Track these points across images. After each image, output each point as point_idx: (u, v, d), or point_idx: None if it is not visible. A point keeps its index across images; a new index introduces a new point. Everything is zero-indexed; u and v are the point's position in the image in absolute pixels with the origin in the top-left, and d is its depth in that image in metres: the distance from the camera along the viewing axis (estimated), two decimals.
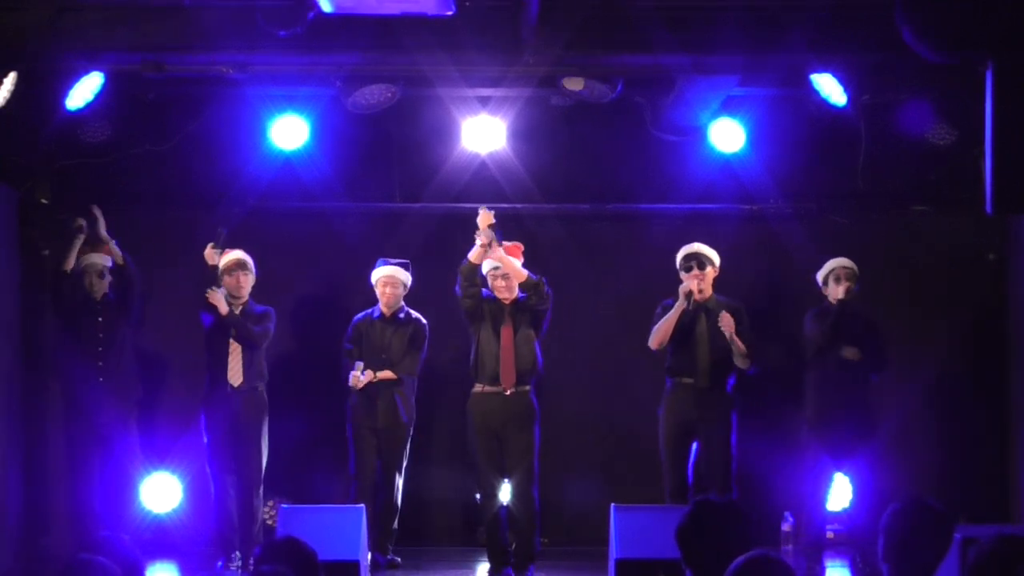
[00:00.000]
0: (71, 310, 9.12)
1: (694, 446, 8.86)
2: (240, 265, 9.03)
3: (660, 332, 8.81)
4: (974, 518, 9.13)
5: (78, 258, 9.12)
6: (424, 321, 9.20)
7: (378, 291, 9.14)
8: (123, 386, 9.13)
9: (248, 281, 9.07)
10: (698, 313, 8.84)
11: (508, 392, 8.67)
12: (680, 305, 8.77)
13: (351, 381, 8.99)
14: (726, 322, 8.67)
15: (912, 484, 9.49)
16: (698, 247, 8.91)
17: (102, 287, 9.13)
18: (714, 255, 8.90)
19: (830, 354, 8.95)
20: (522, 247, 8.86)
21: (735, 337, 8.68)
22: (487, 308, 8.76)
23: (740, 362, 8.78)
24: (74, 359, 9.10)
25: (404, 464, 9.13)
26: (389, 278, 9.11)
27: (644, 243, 9.89)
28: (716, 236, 9.15)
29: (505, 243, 8.71)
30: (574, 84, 8.66)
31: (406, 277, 9.14)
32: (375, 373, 9.01)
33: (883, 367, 9.17)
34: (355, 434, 9.11)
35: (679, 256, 8.92)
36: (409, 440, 9.14)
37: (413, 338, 9.14)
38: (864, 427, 8.96)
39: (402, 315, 9.17)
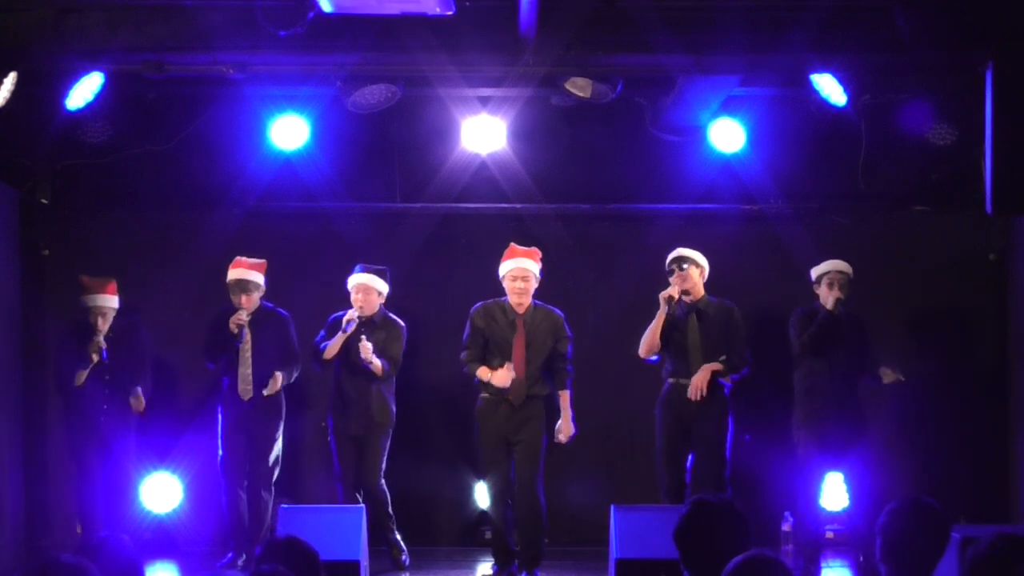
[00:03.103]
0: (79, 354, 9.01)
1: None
2: (240, 286, 8.97)
3: (647, 340, 8.77)
4: (974, 518, 9.14)
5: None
6: (402, 324, 9.07)
7: (351, 297, 9.01)
8: (127, 393, 9.09)
9: (252, 302, 8.99)
10: (690, 315, 8.83)
11: (516, 404, 8.63)
12: (661, 312, 8.73)
13: (344, 321, 8.86)
14: (701, 380, 8.63)
15: (912, 484, 9.49)
16: (680, 250, 8.85)
17: (106, 324, 9.00)
18: (697, 255, 8.84)
19: (816, 356, 8.88)
20: (539, 253, 8.75)
21: (716, 379, 8.67)
22: (496, 328, 8.66)
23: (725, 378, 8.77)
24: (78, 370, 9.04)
25: (383, 466, 8.99)
26: (361, 286, 8.97)
27: (644, 243, 9.87)
28: (716, 236, 9.15)
29: (523, 248, 8.67)
30: (578, 88, 8.66)
31: (381, 285, 9.00)
32: (367, 343, 8.88)
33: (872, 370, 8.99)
34: (336, 439, 9.05)
35: (666, 263, 8.90)
36: (387, 441, 9.02)
37: (388, 340, 8.99)
38: (854, 427, 8.87)
39: (377, 319, 9.03)
